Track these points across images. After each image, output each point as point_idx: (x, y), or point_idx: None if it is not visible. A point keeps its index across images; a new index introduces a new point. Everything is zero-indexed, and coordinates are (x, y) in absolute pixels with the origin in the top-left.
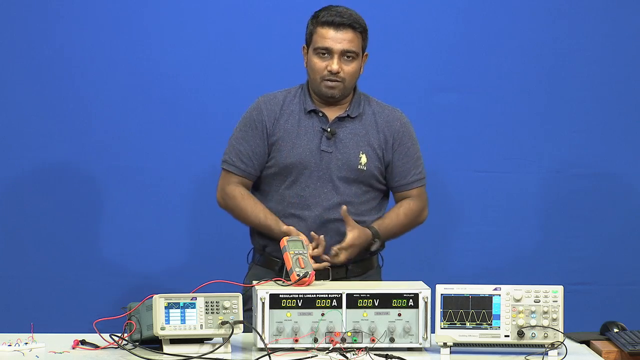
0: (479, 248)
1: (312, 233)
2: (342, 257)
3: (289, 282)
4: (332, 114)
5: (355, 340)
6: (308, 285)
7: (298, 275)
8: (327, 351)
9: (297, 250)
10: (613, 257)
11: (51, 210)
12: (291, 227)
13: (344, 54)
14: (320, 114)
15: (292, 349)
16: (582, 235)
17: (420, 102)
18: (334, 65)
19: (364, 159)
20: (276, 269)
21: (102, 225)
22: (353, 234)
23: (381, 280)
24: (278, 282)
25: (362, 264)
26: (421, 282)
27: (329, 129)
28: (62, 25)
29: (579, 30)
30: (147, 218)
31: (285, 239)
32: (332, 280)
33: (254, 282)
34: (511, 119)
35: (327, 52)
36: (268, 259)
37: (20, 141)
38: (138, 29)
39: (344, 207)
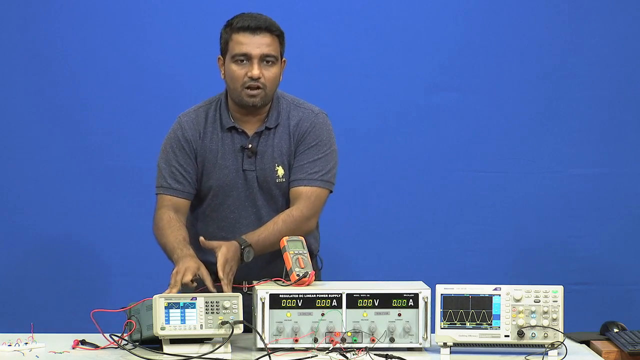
0: (479, 248)
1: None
2: (221, 274)
3: (289, 282)
4: (251, 128)
5: (355, 340)
6: (308, 285)
7: (298, 275)
8: (327, 351)
9: (297, 250)
10: (613, 257)
11: (50, 210)
12: (187, 264)
13: (264, 59)
14: (240, 130)
15: (292, 349)
16: (582, 235)
17: (420, 102)
18: (255, 70)
19: (280, 171)
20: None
21: (101, 225)
22: (221, 250)
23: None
24: (278, 282)
25: None
26: (421, 282)
27: (249, 146)
28: (62, 25)
29: (579, 30)
30: (147, 218)
31: (285, 238)
32: None
33: (255, 283)
34: (511, 119)
35: (245, 59)
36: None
37: (20, 141)
38: (138, 29)
39: (201, 238)
